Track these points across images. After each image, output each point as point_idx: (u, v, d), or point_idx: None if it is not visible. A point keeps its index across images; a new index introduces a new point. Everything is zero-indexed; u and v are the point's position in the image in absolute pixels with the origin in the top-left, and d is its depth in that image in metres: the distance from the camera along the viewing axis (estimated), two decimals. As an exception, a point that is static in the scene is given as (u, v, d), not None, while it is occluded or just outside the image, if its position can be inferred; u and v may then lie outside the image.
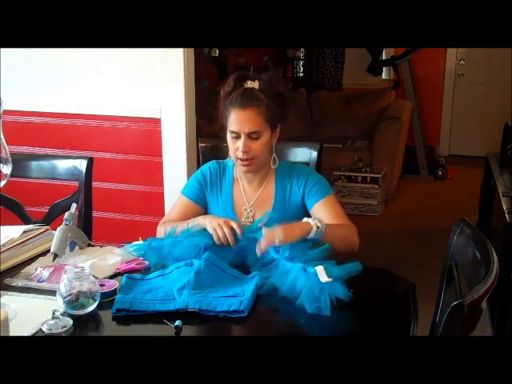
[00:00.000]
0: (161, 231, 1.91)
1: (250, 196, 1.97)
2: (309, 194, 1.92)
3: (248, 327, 1.48)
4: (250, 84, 1.87)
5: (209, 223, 1.78)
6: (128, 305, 1.50)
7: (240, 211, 1.96)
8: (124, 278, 1.63)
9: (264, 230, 1.67)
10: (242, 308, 1.47)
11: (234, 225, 1.76)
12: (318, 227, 1.71)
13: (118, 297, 1.54)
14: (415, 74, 6.06)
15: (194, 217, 1.92)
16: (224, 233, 1.73)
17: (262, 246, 1.65)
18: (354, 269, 1.60)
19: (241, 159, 1.87)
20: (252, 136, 1.85)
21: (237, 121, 1.85)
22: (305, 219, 1.74)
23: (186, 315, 1.47)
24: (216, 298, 1.52)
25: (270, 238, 1.64)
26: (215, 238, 1.74)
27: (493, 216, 3.50)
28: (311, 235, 1.70)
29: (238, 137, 1.86)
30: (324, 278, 1.53)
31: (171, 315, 1.47)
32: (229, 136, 1.89)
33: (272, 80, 1.92)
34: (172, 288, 1.57)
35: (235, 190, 1.98)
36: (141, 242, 1.82)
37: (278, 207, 1.93)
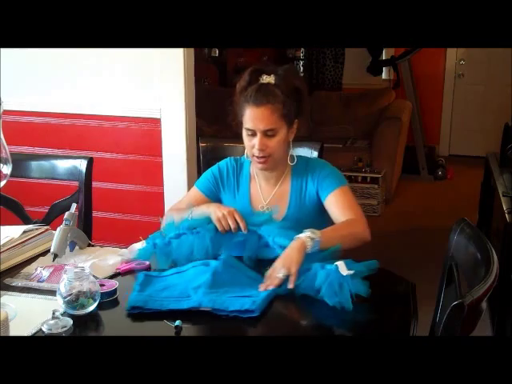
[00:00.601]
0: (165, 218, 1.91)
1: (266, 193, 1.95)
2: (321, 188, 1.89)
3: (259, 328, 1.47)
4: (265, 78, 1.83)
5: (213, 213, 1.78)
6: (142, 303, 1.51)
7: (257, 209, 1.95)
8: (141, 275, 1.64)
9: (267, 272, 1.63)
10: (254, 308, 1.46)
11: (238, 217, 1.76)
12: (312, 239, 1.65)
13: (133, 294, 1.55)
14: (415, 74, 6.05)
15: None
16: (228, 223, 1.75)
17: (264, 287, 1.58)
18: (371, 266, 1.62)
19: (257, 157, 1.85)
20: (268, 133, 1.82)
21: (252, 118, 1.82)
22: (296, 236, 1.67)
23: (198, 314, 1.48)
24: (230, 297, 1.52)
25: (273, 280, 1.59)
26: (219, 229, 1.75)
27: (493, 216, 3.50)
28: (308, 250, 1.65)
29: (253, 134, 1.83)
30: (345, 271, 1.54)
31: (184, 314, 1.47)
32: (244, 133, 1.86)
33: (289, 75, 1.87)
34: (188, 286, 1.58)
35: (252, 188, 1.97)
36: (143, 242, 1.80)
37: (295, 204, 1.92)
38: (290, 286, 1.58)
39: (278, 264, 1.62)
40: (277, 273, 1.60)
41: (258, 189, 1.96)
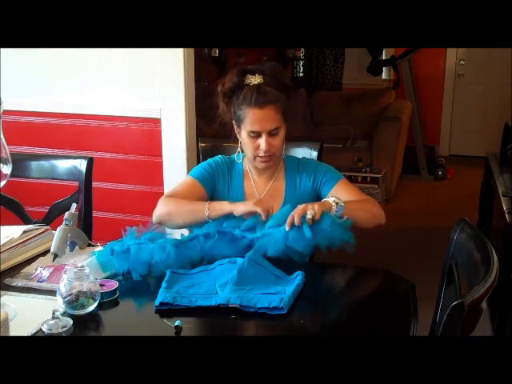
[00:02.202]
0: (165, 205, 1.87)
1: (260, 188, 1.98)
2: (322, 184, 1.93)
3: (285, 326, 1.48)
4: (250, 78, 1.85)
5: (245, 208, 1.77)
6: (171, 299, 1.52)
7: None
8: (168, 272, 1.65)
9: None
10: (281, 305, 1.47)
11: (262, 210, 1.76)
12: (337, 204, 1.75)
13: (161, 291, 1.55)
14: (415, 74, 6.05)
15: (197, 198, 1.90)
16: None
17: (296, 219, 1.68)
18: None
19: (261, 157, 1.88)
20: (272, 133, 1.85)
21: (256, 120, 1.83)
22: (324, 199, 1.80)
23: (226, 310, 1.49)
24: (257, 294, 1.53)
25: (301, 211, 1.68)
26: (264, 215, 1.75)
27: (493, 216, 3.50)
28: (331, 212, 1.73)
29: (257, 136, 1.85)
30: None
31: (213, 310, 1.49)
32: (245, 135, 1.87)
33: (275, 73, 1.89)
34: (215, 283, 1.59)
35: (246, 184, 1.98)
36: (100, 247, 1.77)
37: (290, 199, 1.93)
38: (309, 222, 1.68)
39: (301, 207, 1.69)
40: (301, 214, 1.67)
41: (252, 184, 1.98)
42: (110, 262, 1.69)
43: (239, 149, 1.96)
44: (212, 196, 1.98)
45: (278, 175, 1.98)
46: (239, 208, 1.78)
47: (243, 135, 1.89)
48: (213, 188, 1.98)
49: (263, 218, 1.74)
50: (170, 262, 1.68)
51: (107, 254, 1.70)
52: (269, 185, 1.97)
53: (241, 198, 1.96)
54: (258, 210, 1.74)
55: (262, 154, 1.87)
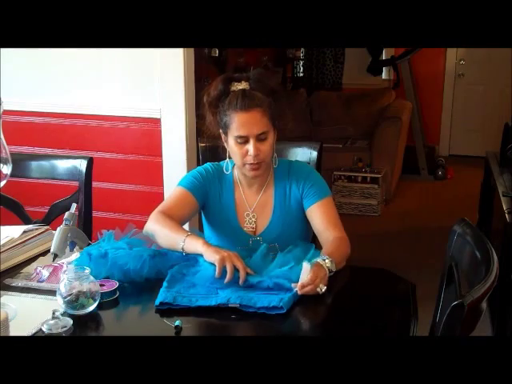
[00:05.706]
0: (153, 223, 1.80)
1: (250, 200, 1.92)
2: (306, 196, 1.87)
3: (285, 326, 1.48)
4: (237, 86, 1.80)
5: (213, 254, 1.62)
6: (171, 299, 1.52)
7: (242, 216, 1.91)
8: (169, 272, 1.64)
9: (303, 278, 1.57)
10: (281, 305, 1.47)
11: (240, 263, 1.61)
12: (329, 270, 1.61)
13: (161, 290, 1.55)
14: (415, 74, 6.06)
15: (190, 210, 1.87)
16: (232, 265, 1.59)
17: (300, 291, 1.55)
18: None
19: (250, 164, 1.80)
20: (261, 137, 1.78)
21: (243, 124, 1.77)
22: (318, 262, 1.61)
23: (226, 310, 1.49)
24: (257, 294, 1.53)
25: (311, 290, 1.54)
26: (218, 270, 1.59)
27: (493, 216, 3.50)
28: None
29: (245, 141, 1.78)
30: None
31: (213, 310, 1.49)
32: (233, 141, 1.81)
33: (261, 78, 1.84)
34: (215, 283, 1.59)
35: (236, 195, 1.92)
36: (77, 254, 1.74)
37: (279, 210, 1.89)
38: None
39: (314, 280, 1.55)
40: (318, 288, 1.54)
41: (242, 196, 1.92)
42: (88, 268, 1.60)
43: (227, 159, 1.90)
44: (204, 205, 1.93)
45: (268, 185, 1.91)
46: (208, 257, 1.64)
47: (230, 142, 1.82)
48: (204, 197, 1.91)
49: (228, 278, 1.58)
50: (142, 272, 1.65)
51: (85, 259, 1.65)
52: (258, 197, 1.91)
53: (232, 208, 1.91)
54: (218, 268, 1.59)
55: (250, 160, 1.79)
